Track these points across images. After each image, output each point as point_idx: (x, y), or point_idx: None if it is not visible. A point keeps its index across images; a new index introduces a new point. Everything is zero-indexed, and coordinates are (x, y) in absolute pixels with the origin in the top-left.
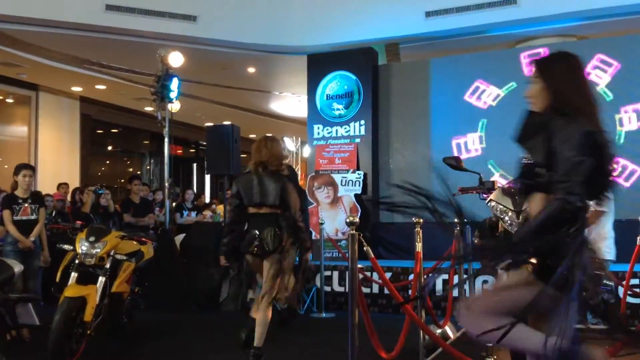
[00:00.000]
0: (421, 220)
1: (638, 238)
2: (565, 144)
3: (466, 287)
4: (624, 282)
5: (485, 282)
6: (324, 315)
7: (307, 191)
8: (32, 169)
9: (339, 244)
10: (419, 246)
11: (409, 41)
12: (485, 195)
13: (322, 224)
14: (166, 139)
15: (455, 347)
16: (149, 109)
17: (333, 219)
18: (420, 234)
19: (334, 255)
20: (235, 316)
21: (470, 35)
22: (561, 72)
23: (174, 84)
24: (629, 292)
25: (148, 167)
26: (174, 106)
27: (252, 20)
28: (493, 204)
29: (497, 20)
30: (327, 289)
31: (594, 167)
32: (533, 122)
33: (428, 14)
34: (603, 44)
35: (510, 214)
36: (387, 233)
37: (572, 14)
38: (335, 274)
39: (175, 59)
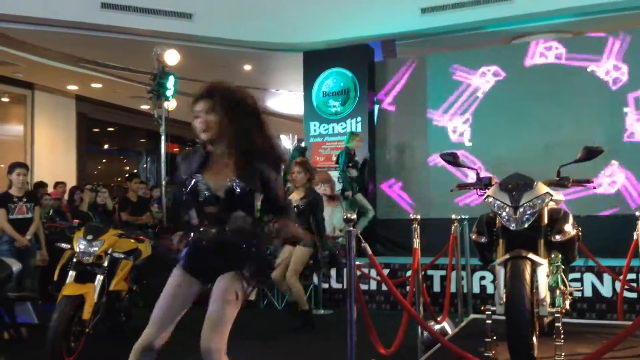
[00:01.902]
0: (418, 217)
1: (635, 233)
2: (278, 182)
3: (464, 283)
4: (620, 277)
5: (482, 278)
6: (322, 312)
7: None
8: (26, 167)
9: (336, 240)
10: (416, 242)
11: (405, 37)
12: (482, 191)
13: None
14: (162, 137)
15: (454, 342)
16: (145, 107)
17: (330, 216)
18: (418, 230)
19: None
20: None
21: (466, 31)
22: (244, 112)
23: (170, 82)
24: (625, 287)
25: (144, 166)
26: (170, 104)
27: (248, 17)
28: (490, 199)
29: (492, 16)
30: (325, 285)
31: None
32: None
33: (424, 10)
34: None
35: (507, 209)
36: (383, 229)
37: (567, 10)
38: (332, 271)
39: (172, 57)
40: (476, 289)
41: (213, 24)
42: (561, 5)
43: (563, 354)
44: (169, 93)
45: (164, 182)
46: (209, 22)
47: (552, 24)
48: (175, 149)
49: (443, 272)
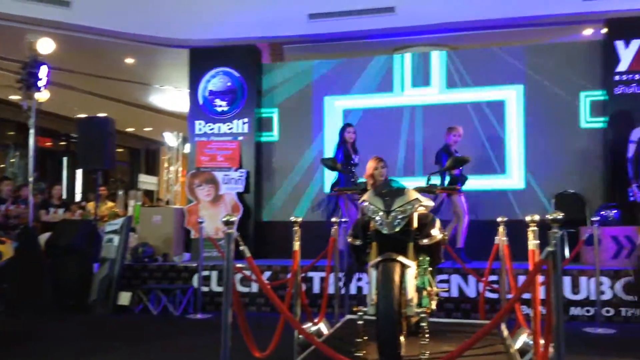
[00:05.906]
0: (299, 219)
1: (496, 238)
2: None
3: (341, 284)
4: (483, 279)
5: (359, 279)
6: (200, 316)
7: (187, 189)
8: None
9: (219, 243)
10: (296, 245)
11: (292, 42)
12: (358, 196)
13: (201, 222)
14: (32, 131)
15: (328, 343)
16: (14, 97)
17: (214, 218)
18: (299, 233)
19: (213, 255)
20: (105, 319)
21: (351, 39)
22: None
23: (43, 71)
24: (487, 288)
25: (12, 160)
26: (42, 95)
27: (130, 8)
28: (366, 204)
29: (376, 26)
30: (205, 289)
31: None
32: None
33: (312, 16)
34: None
35: (380, 213)
36: (270, 232)
37: (445, 25)
38: (214, 273)
39: (45, 46)
40: (354, 290)
41: (92, 13)
42: (439, 20)
43: (428, 352)
44: (41, 83)
45: (30, 179)
46: (88, 10)
47: (431, 37)
48: (47, 143)
49: (323, 274)
